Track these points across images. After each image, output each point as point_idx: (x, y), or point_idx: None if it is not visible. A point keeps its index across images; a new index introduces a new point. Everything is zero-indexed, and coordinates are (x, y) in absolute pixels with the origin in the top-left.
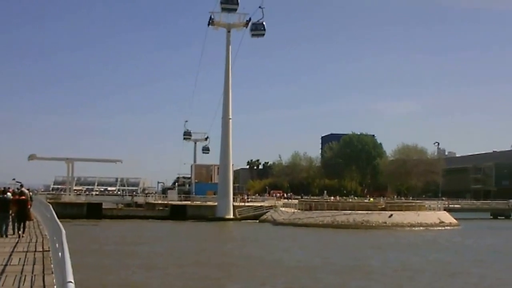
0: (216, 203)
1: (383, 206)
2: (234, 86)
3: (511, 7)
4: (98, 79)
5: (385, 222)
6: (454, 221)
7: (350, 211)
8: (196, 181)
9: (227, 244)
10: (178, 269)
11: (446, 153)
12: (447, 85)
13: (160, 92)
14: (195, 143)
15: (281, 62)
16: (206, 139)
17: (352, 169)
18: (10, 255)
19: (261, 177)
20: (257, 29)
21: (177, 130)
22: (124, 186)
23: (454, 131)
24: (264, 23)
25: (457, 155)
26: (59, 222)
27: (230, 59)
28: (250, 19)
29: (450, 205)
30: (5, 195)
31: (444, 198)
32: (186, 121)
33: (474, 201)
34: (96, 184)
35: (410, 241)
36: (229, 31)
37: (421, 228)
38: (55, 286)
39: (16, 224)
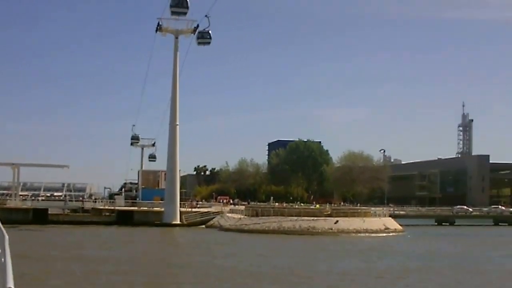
0: (163, 209)
1: (329, 212)
2: (182, 92)
3: (444, 13)
4: (44, 84)
5: (331, 229)
6: (399, 227)
7: (296, 217)
8: (143, 186)
9: (168, 249)
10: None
11: (392, 160)
12: (393, 93)
13: (108, 97)
14: (142, 148)
15: (229, 69)
16: (153, 145)
17: (298, 175)
18: None
19: (208, 183)
20: (203, 37)
21: (125, 136)
22: (71, 191)
23: (399, 138)
24: (210, 31)
25: (402, 162)
26: (2, 227)
27: (178, 65)
28: (198, 25)
29: (396, 212)
30: None
31: (391, 205)
32: (134, 125)
33: (419, 208)
34: (42, 189)
35: (355, 247)
36: (177, 38)
37: (366, 234)
38: None
39: None
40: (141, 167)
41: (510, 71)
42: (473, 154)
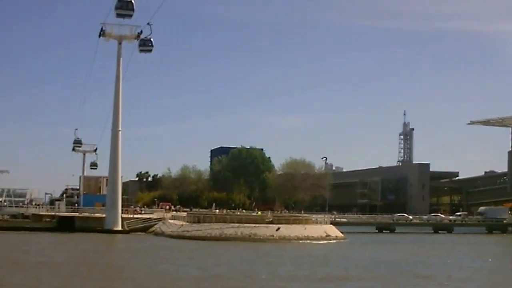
0: (104, 215)
1: (271, 219)
2: (125, 98)
3: (384, 22)
4: None
5: (273, 235)
6: (340, 234)
7: (238, 224)
8: (84, 192)
9: (104, 256)
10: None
11: (334, 168)
12: (336, 100)
13: (50, 102)
14: (84, 154)
15: (172, 76)
16: (95, 150)
17: (240, 182)
18: None
19: (150, 190)
20: (145, 45)
21: (67, 141)
22: (11, 197)
23: (341, 146)
24: (152, 39)
25: (344, 170)
26: None
27: (121, 71)
28: (141, 31)
29: (337, 219)
30: None
31: (334, 212)
32: (76, 129)
33: (360, 215)
34: None
35: (295, 254)
36: (120, 43)
37: (308, 241)
38: None
39: None
40: (83, 172)
41: (449, 80)
42: (413, 162)
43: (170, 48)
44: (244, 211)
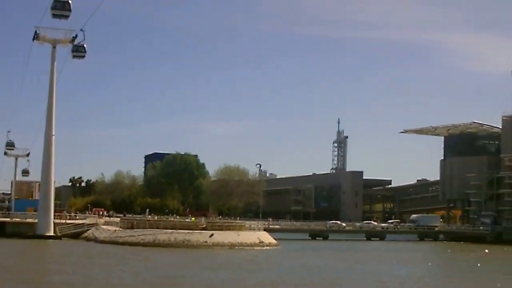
0: (36, 220)
1: (204, 225)
2: (59, 102)
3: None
4: None
5: (206, 242)
6: (273, 241)
7: (171, 230)
8: (16, 197)
9: (31, 263)
10: None
11: (268, 175)
12: (271, 107)
13: None
14: (16, 158)
15: (106, 82)
16: (27, 155)
17: (174, 188)
18: None
19: (83, 195)
20: (78, 51)
21: None
22: None
23: (275, 153)
24: (85, 45)
25: (278, 177)
26: None
27: (55, 75)
28: (76, 36)
29: (271, 226)
30: None
31: (270, 219)
32: (9, 132)
33: (294, 222)
34: None
35: (228, 260)
36: (54, 47)
37: (241, 247)
38: None
39: None
40: (15, 177)
41: (384, 89)
42: (347, 170)
43: (107, 54)
44: (178, 217)
